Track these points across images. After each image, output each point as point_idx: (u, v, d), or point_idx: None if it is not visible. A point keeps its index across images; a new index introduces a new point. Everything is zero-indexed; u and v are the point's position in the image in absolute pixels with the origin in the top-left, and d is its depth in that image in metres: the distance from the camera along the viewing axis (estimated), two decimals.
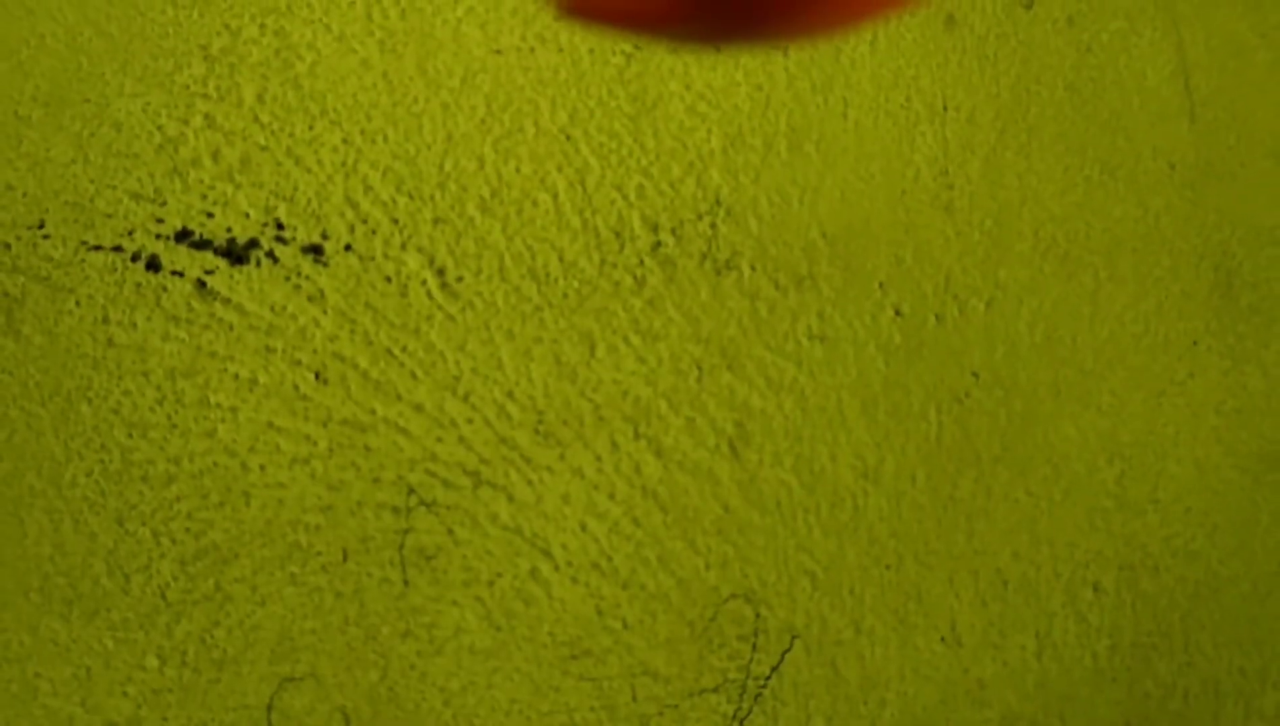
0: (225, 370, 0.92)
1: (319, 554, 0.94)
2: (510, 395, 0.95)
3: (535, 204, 0.96)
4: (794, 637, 0.98)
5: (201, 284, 0.92)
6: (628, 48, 0.96)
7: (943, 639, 1.00)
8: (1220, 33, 1.00)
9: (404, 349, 0.94)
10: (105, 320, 0.91)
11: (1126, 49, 0.99)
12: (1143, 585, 1.01)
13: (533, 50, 0.95)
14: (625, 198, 0.97)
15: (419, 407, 0.94)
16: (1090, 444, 1.00)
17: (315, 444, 0.93)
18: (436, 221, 0.94)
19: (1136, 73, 0.99)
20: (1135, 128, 1.00)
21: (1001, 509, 1.00)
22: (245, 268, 0.92)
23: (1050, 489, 1.00)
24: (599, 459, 0.96)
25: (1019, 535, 1.00)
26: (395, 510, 0.94)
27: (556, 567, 0.96)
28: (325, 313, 0.93)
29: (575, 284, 0.96)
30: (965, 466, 1.00)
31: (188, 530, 0.92)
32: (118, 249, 0.91)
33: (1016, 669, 1.00)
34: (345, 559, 0.94)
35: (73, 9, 0.90)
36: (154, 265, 0.91)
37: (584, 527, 0.96)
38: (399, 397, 0.94)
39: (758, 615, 0.98)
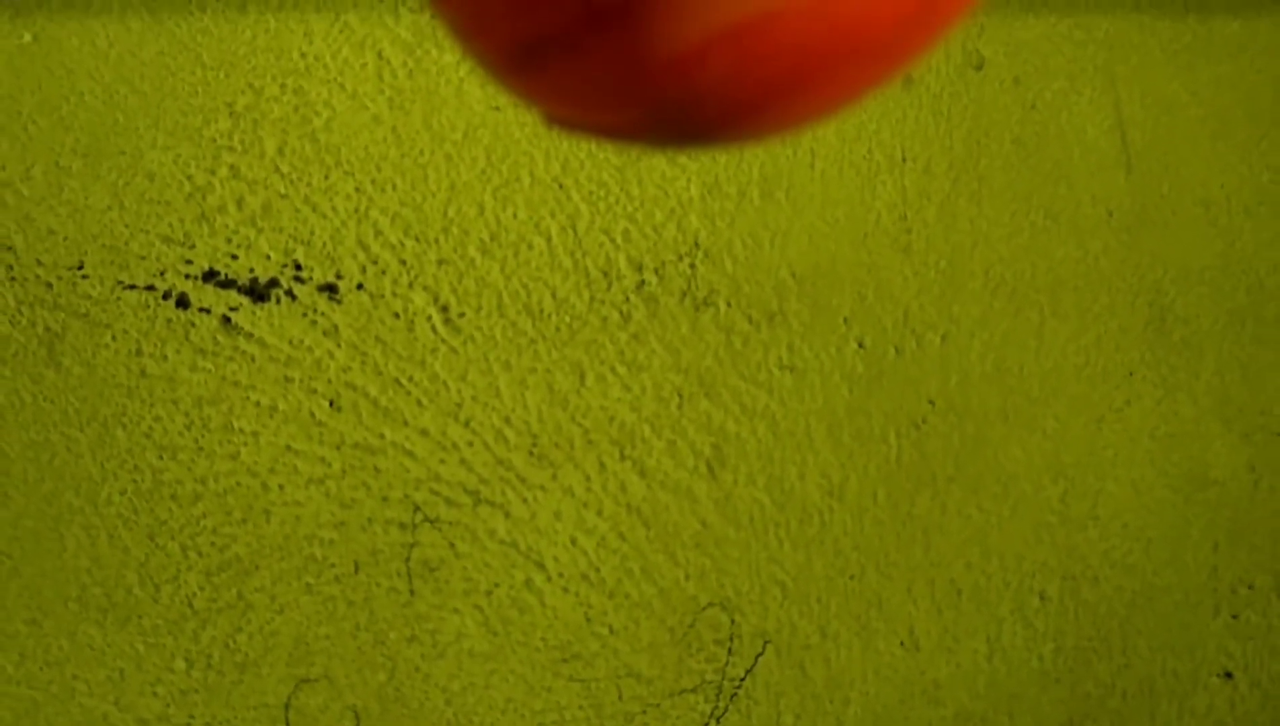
0: (248, 398, 1.00)
1: (332, 566, 1.02)
2: (507, 420, 1.04)
3: (530, 246, 1.04)
4: (766, 642, 1.06)
5: (226, 320, 1.00)
6: None
7: (902, 643, 1.08)
8: (1154, 91, 1.09)
9: (410, 379, 1.02)
10: (138, 353, 0.99)
11: (1068, 106, 1.08)
12: (1084, 594, 1.09)
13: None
14: (612, 240, 1.05)
15: (424, 432, 1.02)
16: (1036, 465, 1.08)
17: (329, 465, 1.01)
18: (441, 262, 1.02)
19: (1077, 128, 1.08)
20: (1076, 177, 1.08)
21: (955, 524, 1.08)
22: (266, 305, 1.00)
23: (1000, 506, 1.09)
24: (588, 479, 1.05)
25: (971, 548, 1.08)
26: (402, 526, 1.02)
27: (549, 578, 1.04)
28: (339, 346, 1.01)
29: (567, 319, 1.04)
30: (922, 485, 1.08)
31: (213, 544, 1.00)
32: (150, 288, 0.99)
33: (969, 670, 1.09)
34: (356, 570, 1.02)
35: (109, 69, 0.98)
36: (183, 303, 0.99)
37: (574, 542, 1.04)
38: (406, 423, 1.02)
39: (733, 622, 1.06)
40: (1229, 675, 1.11)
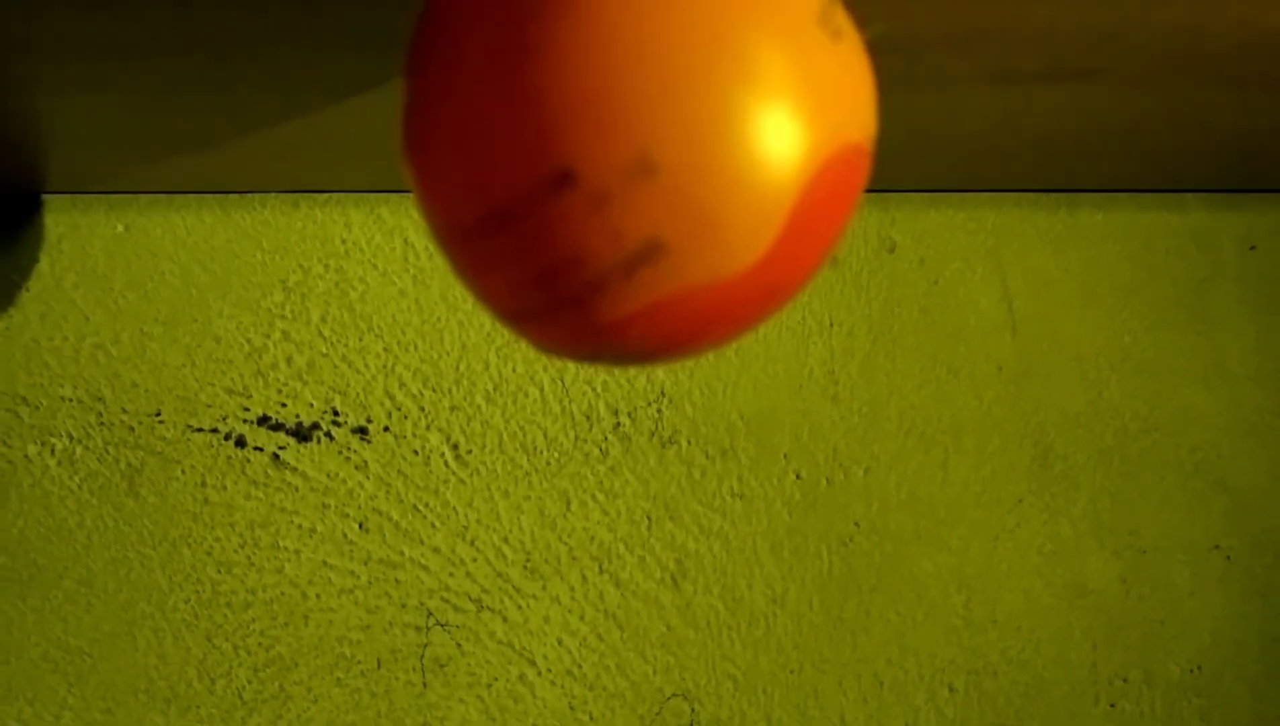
0: (291, 522, 1.14)
1: (359, 663, 1.14)
2: (506, 540, 1.15)
3: (526, 395, 1.17)
4: None
5: (276, 457, 1.14)
6: None
7: None
8: (1034, 269, 1.20)
9: (426, 505, 1.15)
10: (203, 484, 1.13)
11: (964, 281, 1.19)
12: (985, 686, 1.18)
13: None
14: (593, 389, 1.18)
15: (437, 550, 1.14)
16: (944, 577, 1.18)
17: (358, 578, 1.14)
18: (453, 409, 1.16)
19: (972, 299, 1.18)
20: (972, 339, 1.18)
21: (878, 627, 1.17)
22: (309, 444, 1.14)
23: (914, 611, 1.17)
24: (572, 589, 1.15)
25: (891, 647, 1.17)
26: (417, 629, 1.14)
27: (539, 673, 1.15)
28: (368, 478, 1.14)
29: (555, 454, 1.16)
30: (850, 594, 1.17)
31: (260, 645, 1.13)
32: (214, 430, 1.14)
33: None
34: (379, 666, 1.14)
35: (187, 253, 1.15)
36: (241, 443, 1.14)
37: (560, 642, 1.15)
38: (422, 542, 1.14)
39: (693, 710, 1.16)
40: None
